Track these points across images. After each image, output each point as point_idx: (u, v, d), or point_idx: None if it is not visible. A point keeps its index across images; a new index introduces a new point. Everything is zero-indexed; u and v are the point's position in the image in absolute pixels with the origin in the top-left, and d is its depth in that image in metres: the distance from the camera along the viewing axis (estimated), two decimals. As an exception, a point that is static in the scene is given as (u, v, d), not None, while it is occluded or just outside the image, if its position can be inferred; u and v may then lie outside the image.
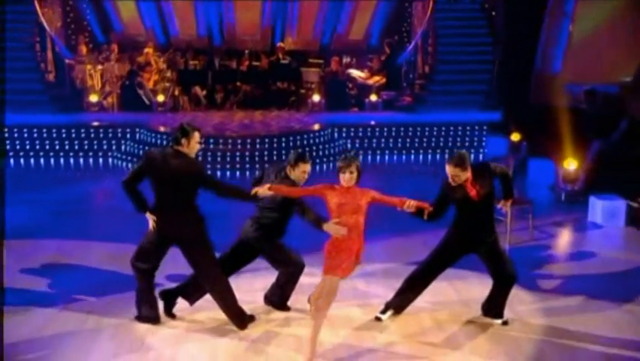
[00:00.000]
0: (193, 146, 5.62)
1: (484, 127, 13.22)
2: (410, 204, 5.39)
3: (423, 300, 6.08)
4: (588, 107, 11.67)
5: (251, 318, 5.86)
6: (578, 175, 9.69)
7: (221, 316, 5.79)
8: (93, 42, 16.86)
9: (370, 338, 5.66)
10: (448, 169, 5.49)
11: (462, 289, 6.58)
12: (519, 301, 6.26)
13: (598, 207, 8.72)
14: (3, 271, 4.91)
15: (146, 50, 15.70)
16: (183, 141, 5.59)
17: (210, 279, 5.75)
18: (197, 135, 5.66)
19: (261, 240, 5.88)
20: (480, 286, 6.31)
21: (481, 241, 5.73)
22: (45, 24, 14.75)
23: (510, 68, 13.96)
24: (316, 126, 12.83)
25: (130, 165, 12.07)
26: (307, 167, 5.73)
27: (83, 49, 16.03)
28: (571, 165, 9.70)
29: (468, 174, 5.49)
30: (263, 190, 5.41)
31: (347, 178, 5.23)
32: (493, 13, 15.61)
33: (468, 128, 13.26)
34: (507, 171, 5.99)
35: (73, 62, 15.38)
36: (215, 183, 5.84)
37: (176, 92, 15.16)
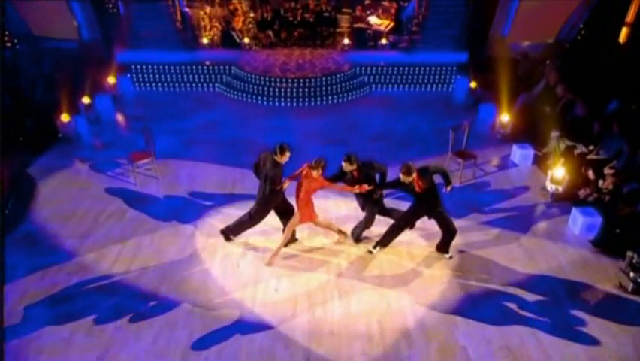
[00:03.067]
0: (284, 159, 5.64)
1: (454, 67, 12.23)
2: (362, 188, 5.66)
3: (400, 240, 6.09)
4: (520, 68, 10.65)
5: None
6: (508, 124, 9.22)
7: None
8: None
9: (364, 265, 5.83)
10: (401, 176, 5.45)
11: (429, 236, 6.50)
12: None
13: (516, 152, 8.44)
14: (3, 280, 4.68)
15: (233, 1, 14.33)
16: (279, 156, 5.57)
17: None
18: (287, 154, 5.61)
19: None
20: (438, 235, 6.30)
21: (431, 211, 5.79)
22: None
23: (475, 25, 12.49)
24: (346, 67, 12.07)
25: (229, 94, 11.70)
26: (289, 154, 5.61)
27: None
28: (505, 116, 9.20)
29: (414, 176, 5.47)
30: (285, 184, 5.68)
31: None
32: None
33: (444, 68, 12.29)
34: (442, 167, 5.89)
35: (189, 10, 14.22)
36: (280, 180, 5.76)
37: (257, 31, 14.15)
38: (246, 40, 13.71)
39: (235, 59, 12.39)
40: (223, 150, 8.80)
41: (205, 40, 13.66)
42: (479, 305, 5.29)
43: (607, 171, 6.85)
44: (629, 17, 10.65)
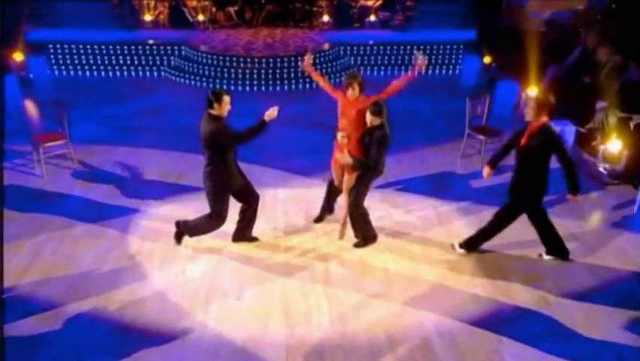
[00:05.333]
0: (224, 108, 4.78)
1: (461, 46, 11.88)
2: None
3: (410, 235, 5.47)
4: (547, 35, 10.33)
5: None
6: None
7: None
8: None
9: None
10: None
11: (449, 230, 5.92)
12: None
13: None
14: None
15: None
16: (215, 105, 4.76)
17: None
18: (226, 99, 4.78)
19: None
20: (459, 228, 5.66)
21: None
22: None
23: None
24: (326, 46, 11.55)
25: (178, 79, 11.06)
26: (228, 98, 4.80)
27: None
28: (532, 90, 8.68)
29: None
30: (271, 113, 4.95)
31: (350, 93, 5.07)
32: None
33: (447, 47, 11.93)
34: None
35: (128, -16, 13.68)
36: (232, 138, 4.87)
37: (213, 10, 13.62)
38: (201, 17, 13.13)
39: (186, 40, 11.76)
40: (167, 136, 8.02)
41: (148, 18, 13.03)
42: (527, 317, 4.49)
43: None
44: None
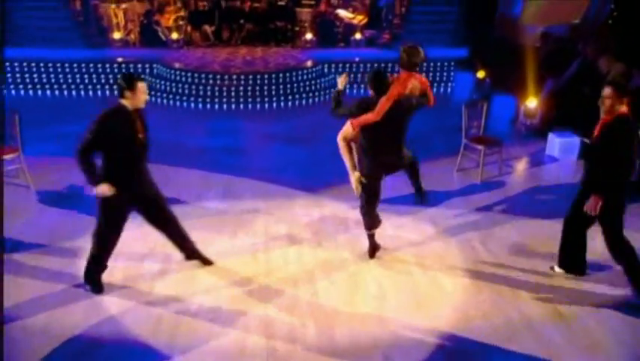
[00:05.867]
0: (139, 97, 4.27)
1: (452, 63, 11.94)
2: None
3: (405, 241, 5.19)
4: (542, 47, 10.40)
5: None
6: (537, 111, 8.65)
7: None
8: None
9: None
10: None
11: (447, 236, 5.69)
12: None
13: (555, 143, 7.78)
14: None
15: (165, -9, 13.90)
16: (127, 92, 4.22)
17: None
18: (140, 86, 4.25)
19: None
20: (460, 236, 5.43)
21: None
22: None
23: (475, 9, 12.47)
24: (309, 63, 11.50)
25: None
26: (143, 85, 4.31)
27: (108, -10, 14.20)
28: (532, 102, 8.64)
29: None
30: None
31: None
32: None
33: (438, 64, 11.97)
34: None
35: (97, 1, 13.63)
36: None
37: (188, 30, 13.58)
38: (175, 35, 13.06)
39: (158, 58, 11.63)
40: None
41: (117, 37, 12.92)
42: (543, 328, 4.21)
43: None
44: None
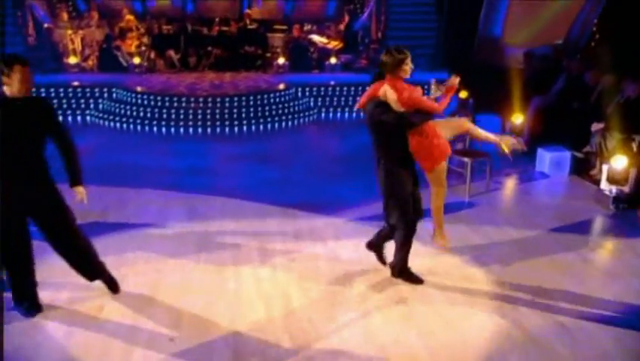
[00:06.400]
0: (17, 80, 3.76)
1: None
2: None
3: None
4: (526, 67, 10.59)
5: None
6: (523, 128, 8.67)
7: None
8: (75, 10, 14.89)
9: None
10: None
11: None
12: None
13: (545, 159, 7.75)
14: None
15: (127, 17, 13.80)
16: (4, 78, 3.76)
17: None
18: (18, 70, 3.74)
19: None
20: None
21: None
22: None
23: (454, 32, 12.74)
24: (281, 86, 11.46)
25: (108, 122, 10.62)
26: (23, 67, 3.79)
27: (65, 16, 14.09)
28: (518, 118, 8.67)
29: None
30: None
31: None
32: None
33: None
34: None
35: (52, 26, 13.50)
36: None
37: (152, 56, 13.48)
38: (137, 60, 12.94)
39: (118, 82, 11.46)
40: (89, 175, 7.32)
41: (73, 61, 12.74)
42: (546, 341, 3.99)
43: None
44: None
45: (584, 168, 7.60)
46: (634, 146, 7.07)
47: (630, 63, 8.69)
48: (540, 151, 7.87)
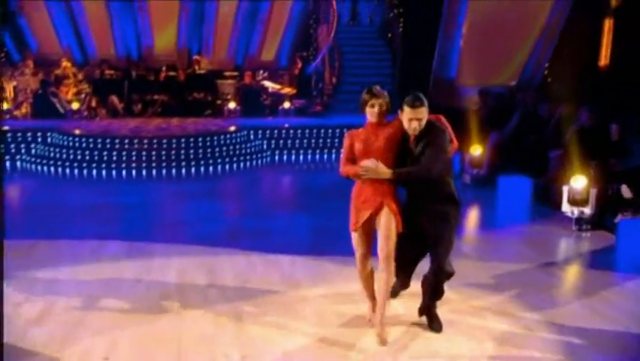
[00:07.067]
0: None
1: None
2: None
3: None
4: (482, 105, 11.12)
5: None
6: (482, 160, 9.03)
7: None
8: (9, 60, 14.82)
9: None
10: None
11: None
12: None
13: (506, 187, 8.15)
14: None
15: (63, 64, 13.75)
16: None
17: None
18: None
19: None
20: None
21: None
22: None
23: (409, 76, 13.31)
24: (232, 128, 11.60)
25: (40, 167, 10.47)
26: None
27: (-4, 65, 14.01)
28: (477, 150, 9.04)
29: None
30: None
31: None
32: (390, 35, 15.20)
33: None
34: None
35: (-22, 73, 13.35)
36: None
37: (93, 103, 13.43)
38: (75, 105, 12.87)
39: (53, 127, 11.34)
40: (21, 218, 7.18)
41: (4, 107, 12.56)
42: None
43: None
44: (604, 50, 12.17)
45: (544, 194, 7.90)
46: (591, 171, 7.45)
47: (583, 94, 9.30)
48: (501, 180, 8.20)
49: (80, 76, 13.93)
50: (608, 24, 12.46)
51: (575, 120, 8.42)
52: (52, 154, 10.57)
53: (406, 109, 3.93)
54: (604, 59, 11.74)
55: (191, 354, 3.82)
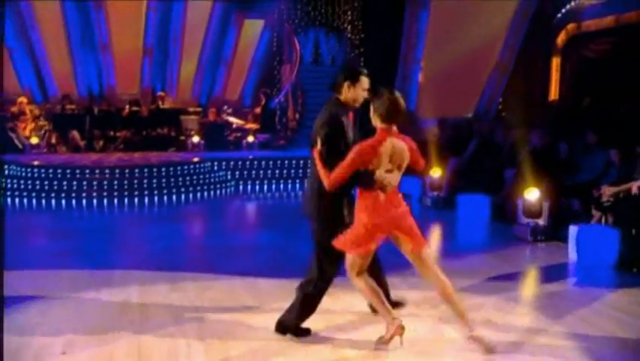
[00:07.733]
0: None
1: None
2: None
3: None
4: (440, 134, 11.47)
5: None
6: (442, 183, 9.27)
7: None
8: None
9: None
10: None
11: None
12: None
13: (465, 205, 8.40)
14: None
15: (19, 100, 13.53)
16: None
17: None
18: None
19: None
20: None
21: None
22: None
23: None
24: (195, 159, 11.64)
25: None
26: None
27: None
28: (436, 173, 9.28)
29: None
30: None
31: None
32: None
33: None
34: None
35: None
36: None
37: (53, 140, 13.31)
38: (35, 140, 12.74)
39: (11, 160, 11.18)
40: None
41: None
42: None
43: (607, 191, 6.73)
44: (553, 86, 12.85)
45: (501, 211, 8.14)
46: (544, 185, 7.75)
47: (535, 121, 9.75)
48: (460, 198, 8.43)
49: (37, 112, 13.84)
50: (555, 62, 13.19)
51: (528, 142, 8.79)
52: (8, 185, 10.39)
53: (363, 79, 3.98)
54: (553, 95, 12.36)
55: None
